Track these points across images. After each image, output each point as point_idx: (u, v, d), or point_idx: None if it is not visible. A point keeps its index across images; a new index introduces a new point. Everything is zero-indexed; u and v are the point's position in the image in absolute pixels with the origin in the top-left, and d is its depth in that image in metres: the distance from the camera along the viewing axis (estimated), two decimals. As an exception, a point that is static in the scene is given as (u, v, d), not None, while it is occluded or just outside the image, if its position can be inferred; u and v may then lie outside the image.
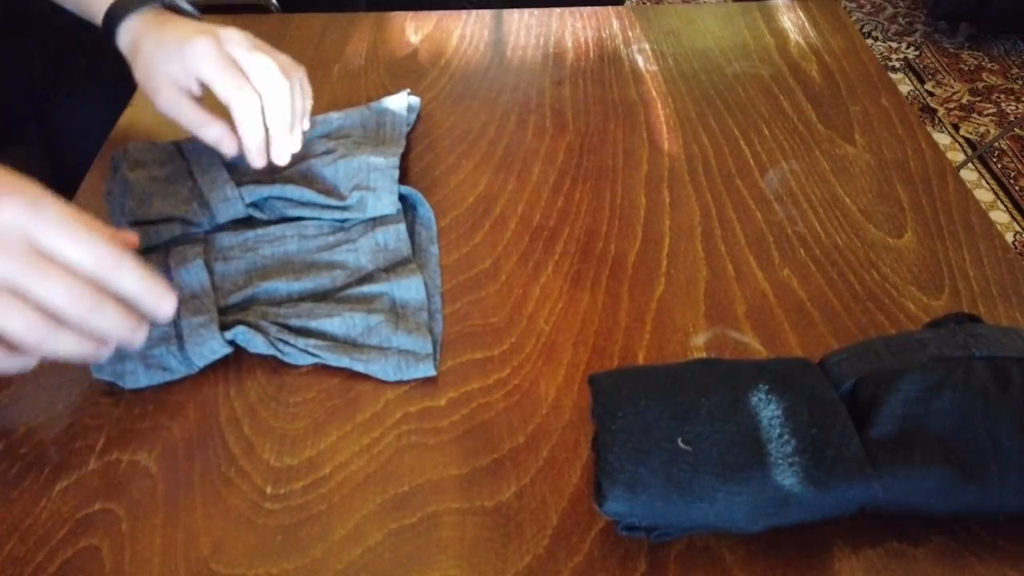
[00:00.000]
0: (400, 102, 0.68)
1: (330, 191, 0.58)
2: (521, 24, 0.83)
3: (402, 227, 0.56)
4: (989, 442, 0.39)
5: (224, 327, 0.49)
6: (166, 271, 0.53)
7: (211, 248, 0.55)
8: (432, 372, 0.49)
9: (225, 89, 0.54)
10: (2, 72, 0.83)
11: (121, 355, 0.47)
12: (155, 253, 0.54)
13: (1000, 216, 1.74)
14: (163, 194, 0.57)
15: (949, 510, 0.40)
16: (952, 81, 2.12)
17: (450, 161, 0.65)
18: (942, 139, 1.94)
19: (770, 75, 0.75)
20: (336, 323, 0.50)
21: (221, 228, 0.57)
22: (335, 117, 0.66)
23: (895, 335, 0.45)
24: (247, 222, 0.57)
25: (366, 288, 0.52)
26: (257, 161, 0.56)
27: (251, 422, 0.47)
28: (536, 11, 0.84)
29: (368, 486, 0.44)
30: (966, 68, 2.17)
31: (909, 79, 2.14)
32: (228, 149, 0.57)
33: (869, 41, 2.29)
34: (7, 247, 0.38)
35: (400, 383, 0.49)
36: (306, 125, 0.59)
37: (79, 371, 0.48)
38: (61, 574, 0.40)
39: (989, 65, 2.18)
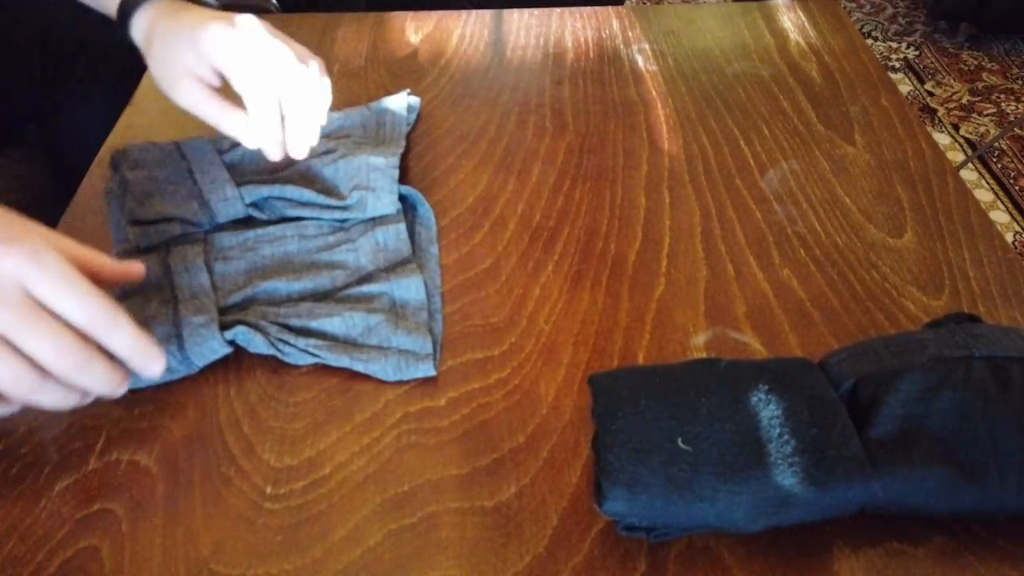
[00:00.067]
0: (400, 102, 0.68)
1: (330, 191, 0.58)
2: (521, 24, 0.83)
3: (402, 227, 0.56)
4: (989, 442, 0.39)
5: (224, 327, 0.49)
6: (166, 271, 0.53)
7: (211, 248, 0.55)
8: (432, 372, 0.49)
9: (240, 78, 0.52)
10: (2, 72, 0.83)
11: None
12: (155, 253, 0.54)
13: (1000, 216, 1.74)
14: (163, 194, 0.57)
15: (949, 510, 0.40)
16: (952, 81, 2.12)
17: (450, 161, 0.65)
18: (942, 139, 1.94)
19: (770, 75, 0.75)
20: (336, 323, 0.50)
21: (221, 228, 0.57)
22: (335, 117, 0.66)
23: (895, 335, 0.45)
24: (247, 222, 0.57)
25: (366, 288, 0.52)
26: (274, 154, 0.54)
27: (251, 422, 0.47)
28: (536, 11, 0.84)
29: (368, 486, 0.44)
30: (966, 68, 2.17)
31: (909, 79, 2.14)
32: (250, 143, 0.55)
33: (869, 41, 2.29)
34: (3, 297, 0.38)
35: (400, 383, 0.49)
36: (323, 119, 0.56)
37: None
38: (61, 574, 0.40)
39: (989, 65, 2.18)
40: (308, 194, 0.57)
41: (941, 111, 2.02)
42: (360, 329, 0.50)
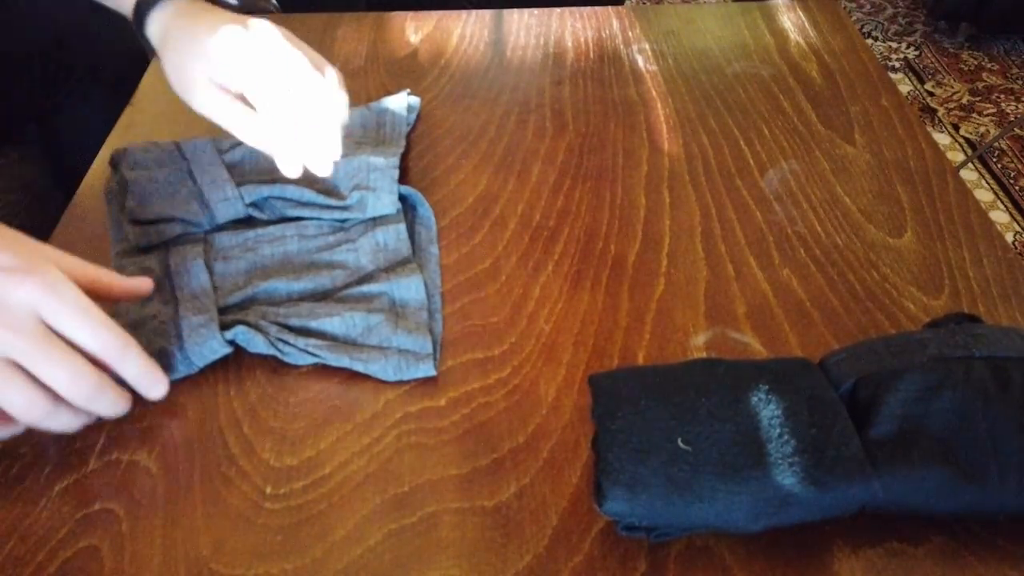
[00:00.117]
0: (400, 102, 0.68)
1: (330, 191, 0.58)
2: (521, 24, 0.83)
3: (402, 227, 0.56)
4: (989, 442, 0.39)
5: (224, 327, 0.49)
6: (166, 271, 0.53)
7: (211, 248, 0.55)
8: (432, 372, 0.49)
9: (252, 88, 0.50)
10: (2, 72, 0.83)
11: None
12: (155, 253, 0.54)
13: (1000, 216, 1.74)
14: (163, 194, 0.57)
15: (949, 510, 0.40)
16: (952, 81, 2.12)
17: (450, 161, 0.65)
18: (942, 139, 1.94)
19: (770, 75, 0.75)
20: (336, 323, 0.50)
21: (221, 228, 0.57)
22: (335, 117, 0.66)
23: (895, 335, 0.45)
24: (247, 222, 0.57)
25: (366, 288, 0.52)
26: (291, 171, 0.52)
27: (251, 422, 0.47)
28: (536, 11, 0.84)
29: (368, 486, 0.44)
30: (966, 68, 2.17)
31: (909, 79, 2.14)
32: (270, 151, 0.52)
33: (869, 41, 2.29)
34: (18, 324, 0.39)
35: (400, 383, 0.49)
36: (340, 131, 0.53)
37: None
38: (61, 574, 0.40)
39: (989, 65, 2.18)
40: (308, 194, 0.57)
41: (941, 111, 2.02)
42: (360, 329, 0.50)
